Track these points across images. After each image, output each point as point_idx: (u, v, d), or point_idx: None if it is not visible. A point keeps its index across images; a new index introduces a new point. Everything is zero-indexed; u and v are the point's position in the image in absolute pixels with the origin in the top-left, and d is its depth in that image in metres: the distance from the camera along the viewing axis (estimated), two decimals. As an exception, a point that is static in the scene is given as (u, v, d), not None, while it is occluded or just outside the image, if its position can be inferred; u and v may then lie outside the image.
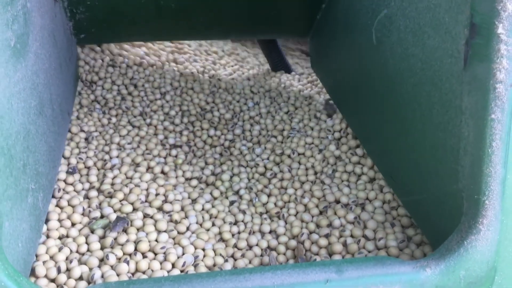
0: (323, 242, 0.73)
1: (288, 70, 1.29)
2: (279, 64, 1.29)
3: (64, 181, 0.83)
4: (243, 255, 0.73)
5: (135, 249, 0.69)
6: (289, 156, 0.94)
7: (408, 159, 0.71)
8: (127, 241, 0.70)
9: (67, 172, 0.84)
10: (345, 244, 0.73)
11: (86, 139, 0.93)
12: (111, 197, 0.80)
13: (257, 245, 0.74)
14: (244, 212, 0.80)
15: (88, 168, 0.86)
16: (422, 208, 0.70)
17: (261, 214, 0.81)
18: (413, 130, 0.68)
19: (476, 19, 0.52)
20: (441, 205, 0.64)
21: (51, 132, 0.73)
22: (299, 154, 0.94)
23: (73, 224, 0.75)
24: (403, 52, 0.68)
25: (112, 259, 0.67)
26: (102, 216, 0.76)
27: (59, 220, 0.74)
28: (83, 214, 0.77)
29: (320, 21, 1.06)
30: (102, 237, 0.72)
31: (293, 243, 0.74)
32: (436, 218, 0.67)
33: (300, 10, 1.07)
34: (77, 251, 0.70)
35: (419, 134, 0.66)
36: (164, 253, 0.69)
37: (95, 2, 0.89)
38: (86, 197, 0.81)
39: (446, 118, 0.59)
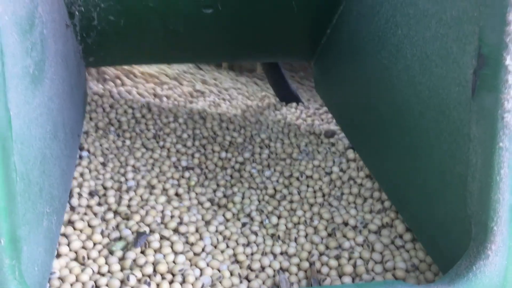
0: (333, 263, 0.75)
1: (296, 99, 1.32)
2: (286, 94, 1.30)
3: (86, 204, 0.85)
4: (257, 276, 0.74)
5: (154, 270, 0.72)
6: (297, 178, 0.96)
7: (415, 184, 0.72)
8: (146, 262, 0.73)
9: (89, 194, 0.86)
10: (354, 265, 0.75)
11: (102, 163, 0.95)
12: (127, 218, 0.82)
13: (269, 266, 0.76)
14: (256, 234, 0.82)
15: (106, 189, 0.89)
16: (430, 232, 0.72)
17: (272, 235, 0.82)
18: (420, 156, 0.69)
19: (484, 50, 0.53)
20: (449, 230, 0.65)
21: (64, 155, 0.75)
22: (307, 177, 0.96)
23: (94, 245, 0.77)
24: (410, 79, 0.70)
25: (132, 281, 0.69)
26: (120, 238, 0.78)
27: (80, 241, 0.77)
28: (102, 236, 0.79)
29: (325, 45, 1.08)
30: (121, 259, 0.75)
31: (304, 264, 0.76)
32: (444, 242, 0.68)
33: (304, 34, 1.09)
34: (98, 272, 0.72)
35: (426, 160, 0.68)
36: (182, 274, 0.72)
37: (106, 27, 0.91)
38: (103, 219, 0.83)
39: (454, 146, 0.60)
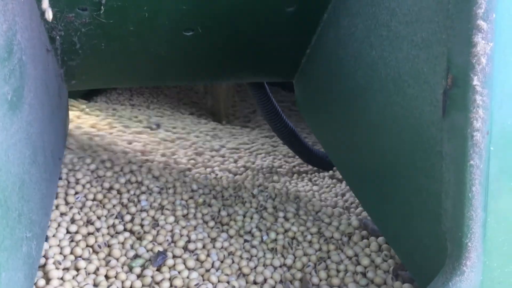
0: (323, 275, 0.86)
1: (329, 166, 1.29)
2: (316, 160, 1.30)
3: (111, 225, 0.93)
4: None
5: (171, 286, 0.80)
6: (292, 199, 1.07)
7: (393, 201, 0.73)
8: (163, 279, 0.81)
9: (116, 217, 0.93)
10: (343, 277, 0.85)
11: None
12: (140, 238, 0.90)
13: (271, 277, 0.86)
14: (257, 249, 0.91)
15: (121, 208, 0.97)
16: (408, 248, 0.73)
17: (271, 249, 0.92)
18: (398, 174, 0.70)
19: (452, 71, 0.55)
20: (426, 247, 0.66)
21: (43, 179, 0.75)
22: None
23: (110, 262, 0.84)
24: (386, 99, 0.71)
25: None
26: (137, 255, 0.86)
27: (99, 260, 0.84)
28: (120, 254, 0.86)
29: (305, 65, 1.10)
30: (139, 275, 0.82)
31: (299, 274, 0.86)
32: (421, 258, 0.69)
33: (285, 54, 1.10)
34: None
35: (403, 178, 0.69)
36: None
37: (87, 51, 0.92)
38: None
39: (429, 164, 0.61)
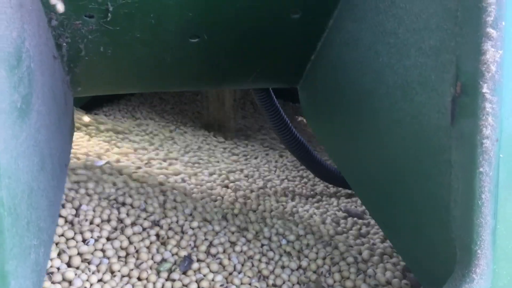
0: (337, 277, 0.92)
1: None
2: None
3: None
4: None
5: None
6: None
7: (401, 208, 0.73)
8: (190, 282, 0.87)
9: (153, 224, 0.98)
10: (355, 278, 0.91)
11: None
12: (164, 243, 0.94)
13: (289, 280, 0.92)
14: (273, 252, 0.97)
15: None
16: (416, 255, 0.72)
17: (288, 253, 0.98)
18: (405, 181, 0.70)
19: (461, 78, 0.55)
20: (434, 253, 0.66)
21: (51, 186, 0.75)
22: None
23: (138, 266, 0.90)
24: (392, 106, 0.71)
25: None
26: (163, 260, 0.91)
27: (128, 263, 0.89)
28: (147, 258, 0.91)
29: (310, 70, 1.10)
30: (167, 279, 0.88)
31: (314, 276, 0.92)
32: (430, 265, 0.69)
33: (289, 60, 1.11)
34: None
35: (411, 185, 0.69)
36: None
37: (93, 57, 0.92)
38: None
39: (436, 171, 0.61)
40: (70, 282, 0.82)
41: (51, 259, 0.84)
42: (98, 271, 0.86)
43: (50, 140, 0.77)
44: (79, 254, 0.88)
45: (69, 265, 0.86)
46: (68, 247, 0.88)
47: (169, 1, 0.83)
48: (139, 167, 1.25)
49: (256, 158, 1.55)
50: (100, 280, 0.85)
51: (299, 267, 0.95)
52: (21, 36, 0.61)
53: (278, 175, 1.42)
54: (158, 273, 0.88)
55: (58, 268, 0.84)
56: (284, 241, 1.00)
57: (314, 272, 0.93)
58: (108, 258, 0.89)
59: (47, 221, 0.71)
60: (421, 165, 0.65)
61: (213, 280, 0.88)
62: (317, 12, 0.91)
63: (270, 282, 0.90)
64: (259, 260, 0.95)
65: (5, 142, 0.53)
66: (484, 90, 0.53)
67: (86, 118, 1.52)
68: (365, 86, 0.80)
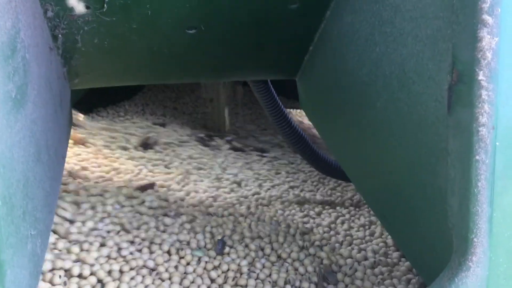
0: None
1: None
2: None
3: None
4: None
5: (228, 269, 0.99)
6: None
7: (398, 198, 0.73)
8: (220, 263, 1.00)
9: None
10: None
11: None
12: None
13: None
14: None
15: None
16: (413, 245, 0.72)
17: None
18: (401, 170, 0.70)
19: (458, 66, 0.55)
20: (432, 243, 0.66)
21: (47, 178, 0.75)
22: None
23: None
24: (390, 96, 0.71)
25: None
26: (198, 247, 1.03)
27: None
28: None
29: (308, 62, 1.10)
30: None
31: None
32: (427, 254, 0.68)
33: (287, 52, 1.10)
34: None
35: (407, 174, 0.69)
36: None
37: (90, 49, 0.92)
38: None
39: (433, 160, 0.61)
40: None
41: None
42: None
43: (47, 132, 0.77)
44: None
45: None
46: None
47: (166, -9, 0.83)
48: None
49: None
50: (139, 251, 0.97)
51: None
52: (16, 26, 0.61)
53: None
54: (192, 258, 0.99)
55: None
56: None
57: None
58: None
59: (44, 212, 0.71)
60: (418, 154, 0.65)
61: (239, 264, 0.99)
62: (315, 2, 0.91)
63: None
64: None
65: (0, 131, 0.52)
66: (480, 77, 0.53)
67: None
68: (363, 77, 0.80)
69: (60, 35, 0.88)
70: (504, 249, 0.58)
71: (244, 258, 1.01)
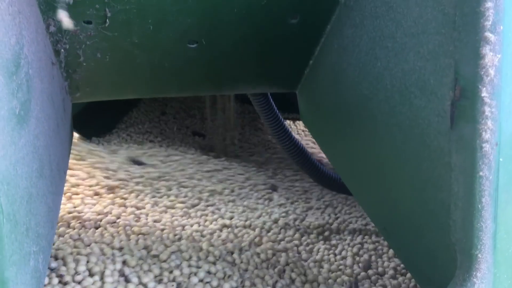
0: None
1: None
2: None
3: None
4: None
5: None
6: None
7: (400, 212, 0.73)
8: None
9: None
10: None
11: None
12: None
13: None
14: None
15: None
16: (417, 260, 0.72)
17: None
18: (402, 184, 0.70)
19: (461, 82, 0.55)
20: (435, 258, 0.66)
21: (50, 193, 0.74)
22: None
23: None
24: (391, 109, 0.71)
25: None
26: None
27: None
28: None
29: (308, 75, 1.10)
30: None
31: None
32: (430, 269, 0.68)
33: (288, 65, 1.11)
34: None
35: (408, 188, 0.69)
36: None
37: (91, 63, 0.92)
38: None
39: (436, 174, 0.61)
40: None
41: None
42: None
43: (49, 147, 0.77)
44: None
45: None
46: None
47: (167, 7, 0.83)
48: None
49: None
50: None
51: None
52: (20, 42, 0.61)
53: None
54: None
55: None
56: None
57: None
58: None
59: (46, 227, 0.71)
60: (420, 168, 0.65)
61: None
62: (315, 17, 0.91)
63: None
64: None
65: (3, 148, 0.52)
66: (483, 94, 0.53)
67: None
68: (363, 91, 0.80)
69: (62, 50, 0.88)
70: (508, 265, 0.58)
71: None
